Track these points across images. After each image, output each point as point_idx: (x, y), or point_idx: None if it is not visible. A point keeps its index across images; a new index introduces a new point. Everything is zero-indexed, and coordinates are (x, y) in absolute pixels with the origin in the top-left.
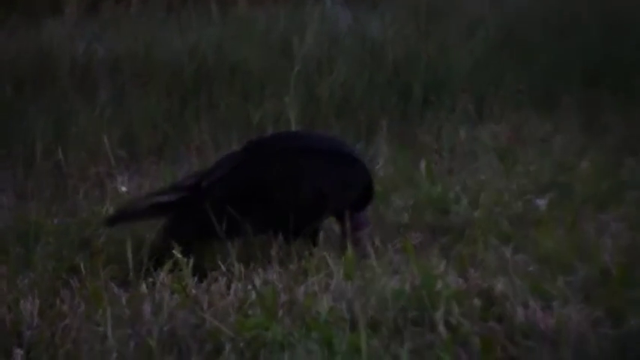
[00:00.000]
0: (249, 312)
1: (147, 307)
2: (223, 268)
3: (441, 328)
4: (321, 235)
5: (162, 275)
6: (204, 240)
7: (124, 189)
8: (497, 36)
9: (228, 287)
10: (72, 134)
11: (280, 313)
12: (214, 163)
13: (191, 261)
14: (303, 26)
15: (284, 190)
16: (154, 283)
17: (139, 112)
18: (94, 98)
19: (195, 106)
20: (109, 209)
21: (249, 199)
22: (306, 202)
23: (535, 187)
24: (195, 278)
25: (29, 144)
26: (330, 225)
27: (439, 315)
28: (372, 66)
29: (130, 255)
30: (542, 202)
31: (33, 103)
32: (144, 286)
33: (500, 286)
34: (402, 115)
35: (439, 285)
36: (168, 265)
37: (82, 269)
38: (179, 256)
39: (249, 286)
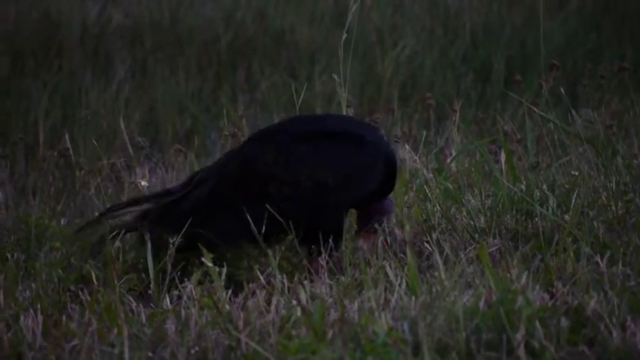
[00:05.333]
0: (293, 332)
1: (171, 326)
2: (262, 279)
3: (521, 353)
4: (380, 241)
5: (190, 287)
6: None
7: (144, 184)
8: (596, 2)
9: (268, 302)
10: (82, 118)
11: (330, 333)
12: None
13: (224, 271)
14: None
15: (278, 184)
16: (179, 297)
17: (162, 92)
18: (108, 74)
19: (230, 84)
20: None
21: (239, 196)
22: (308, 198)
23: (639, 186)
24: (229, 291)
25: (31, 129)
26: (392, 229)
27: (519, 337)
28: (445, 38)
29: (150, 263)
30: None
31: (35, 79)
32: (167, 300)
33: (592, 303)
34: (480, 97)
35: (520, 302)
36: (196, 276)
37: (94, 279)
38: (210, 264)
39: (294, 302)
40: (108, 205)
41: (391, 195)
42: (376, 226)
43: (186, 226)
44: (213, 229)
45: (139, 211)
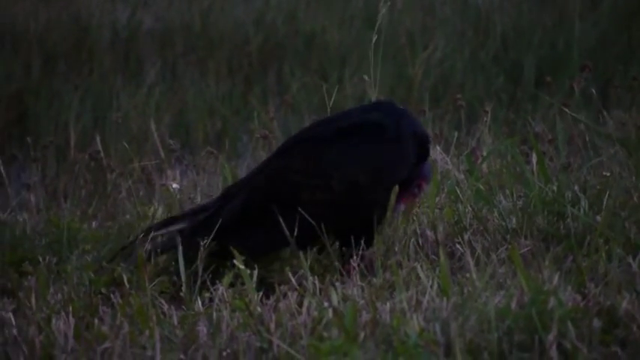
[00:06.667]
0: (325, 334)
1: (203, 328)
2: (294, 281)
3: (554, 354)
4: (412, 242)
5: (222, 290)
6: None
7: (175, 186)
8: (628, 3)
9: (300, 304)
10: (113, 120)
11: (362, 335)
12: None
13: (255, 273)
14: None
15: (311, 191)
16: (211, 300)
17: (193, 95)
18: (139, 78)
19: (261, 87)
20: (158, 210)
21: (271, 208)
22: (343, 200)
23: None
24: (261, 294)
25: (62, 132)
26: (424, 230)
27: (551, 338)
28: (476, 40)
29: (182, 266)
30: None
31: (66, 82)
32: (199, 302)
33: (625, 304)
34: (511, 99)
35: (552, 302)
36: (228, 278)
37: (125, 282)
38: (241, 267)
39: (325, 303)
40: (138, 209)
41: (429, 159)
42: (416, 191)
43: (220, 239)
44: (247, 243)
45: (176, 230)
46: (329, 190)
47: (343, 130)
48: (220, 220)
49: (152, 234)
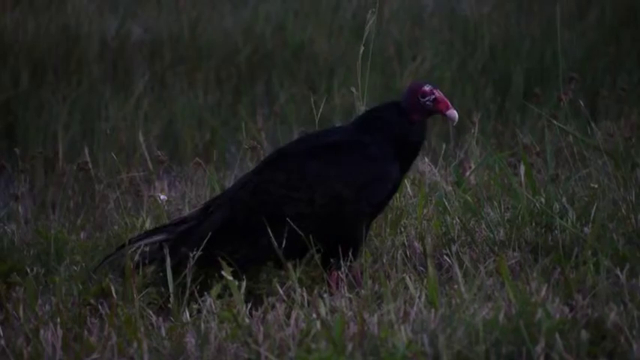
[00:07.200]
0: (313, 345)
1: (191, 339)
2: (282, 293)
3: None
4: (400, 254)
5: (210, 301)
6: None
7: (163, 197)
8: (616, 14)
9: (288, 316)
10: (101, 131)
11: (350, 346)
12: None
13: (244, 284)
14: (380, 1)
15: (294, 204)
16: (199, 311)
17: (181, 106)
18: (127, 89)
19: (249, 97)
20: (146, 221)
21: (255, 222)
22: (325, 213)
23: None
24: (249, 305)
25: (50, 143)
26: (411, 242)
27: (539, 350)
28: (464, 51)
29: (170, 277)
30: None
31: (55, 93)
32: (187, 313)
33: (612, 316)
34: (499, 110)
35: (539, 314)
36: (216, 290)
37: (113, 293)
38: (230, 278)
39: (313, 315)
40: (127, 220)
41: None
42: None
43: (204, 252)
44: (232, 256)
45: (157, 241)
46: (312, 203)
47: (326, 147)
48: (202, 233)
49: (131, 245)
